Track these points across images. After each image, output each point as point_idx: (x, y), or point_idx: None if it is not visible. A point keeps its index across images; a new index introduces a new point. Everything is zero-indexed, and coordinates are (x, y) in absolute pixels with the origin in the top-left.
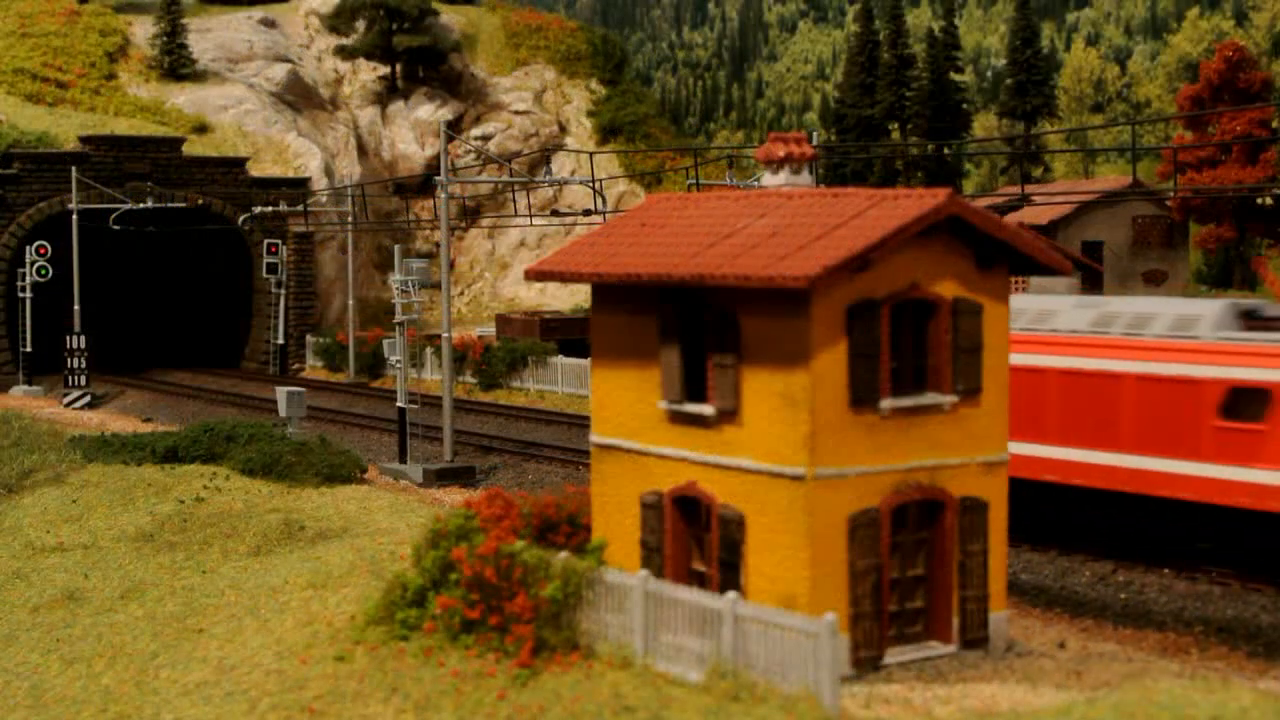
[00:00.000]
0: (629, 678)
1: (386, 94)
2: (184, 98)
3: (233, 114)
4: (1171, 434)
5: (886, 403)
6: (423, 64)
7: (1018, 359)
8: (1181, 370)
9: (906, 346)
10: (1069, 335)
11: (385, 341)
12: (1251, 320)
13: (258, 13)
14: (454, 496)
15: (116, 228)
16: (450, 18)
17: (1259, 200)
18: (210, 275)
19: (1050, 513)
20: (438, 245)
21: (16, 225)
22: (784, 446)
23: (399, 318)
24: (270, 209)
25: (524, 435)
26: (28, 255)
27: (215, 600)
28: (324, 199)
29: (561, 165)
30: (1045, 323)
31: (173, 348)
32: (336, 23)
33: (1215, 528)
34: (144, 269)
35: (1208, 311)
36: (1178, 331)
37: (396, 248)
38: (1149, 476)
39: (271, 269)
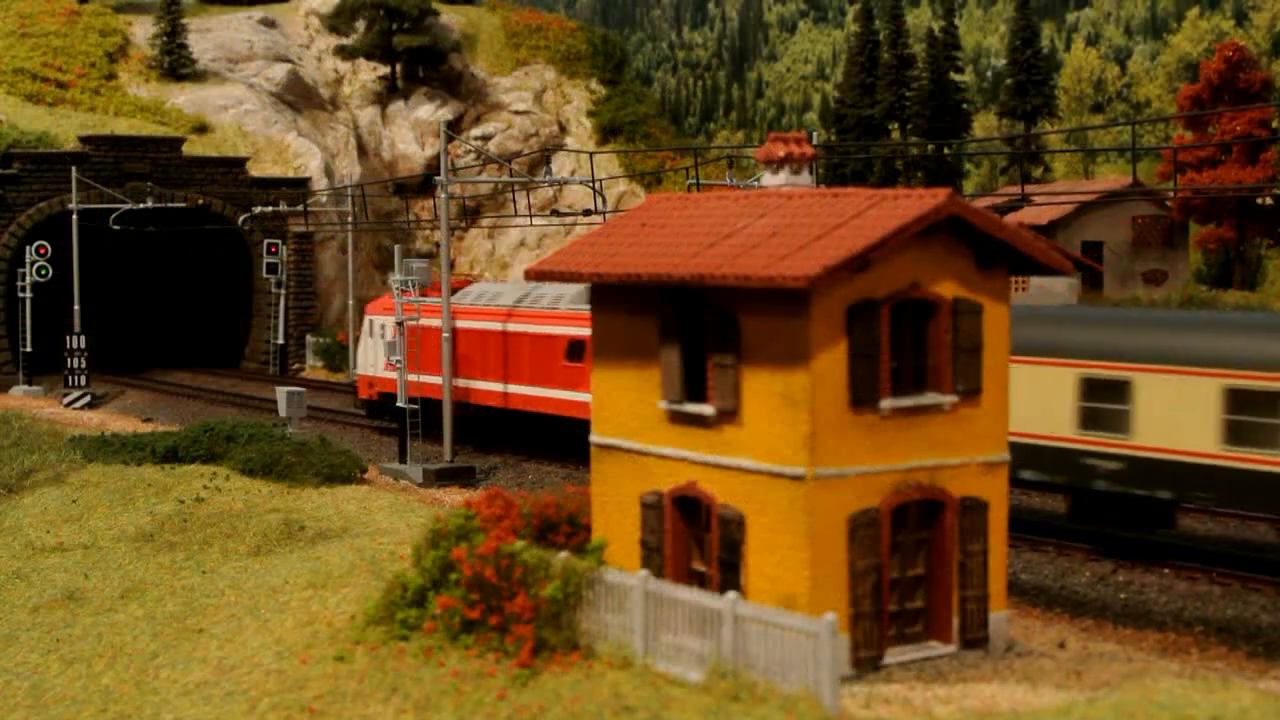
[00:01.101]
0: (629, 678)
1: (386, 94)
2: (184, 98)
3: (233, 114)
4: (546, 371)
5: (886, 403)
6: (423, 64)
7: (466, 324)
8: (549, 330)
9: (906, 346)
10: (499, 308)
11: (385, 342)
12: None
13: (258, 13)
14: (454, 496)
15: (116, 228)
16: (450, 18)
17: (1259, 200)
18: (210, 275)
19: (484, 424)
20: (438, 245)
21: (16, 225)
22: (784, 446)
23: (399, 317)
24: (270, 209)
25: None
26: (28, 255)
27: (215, 600)
28: (324, 199)
29: (561, 165)
30: (490, 300)
31: (173, 348)
32: (336, 23)
33: (569, 433)
34: (144, 269)
35: (569, 291)
36: (551, 304)
37: (396, 248)
38: (536, 399)
39: (271, 269)
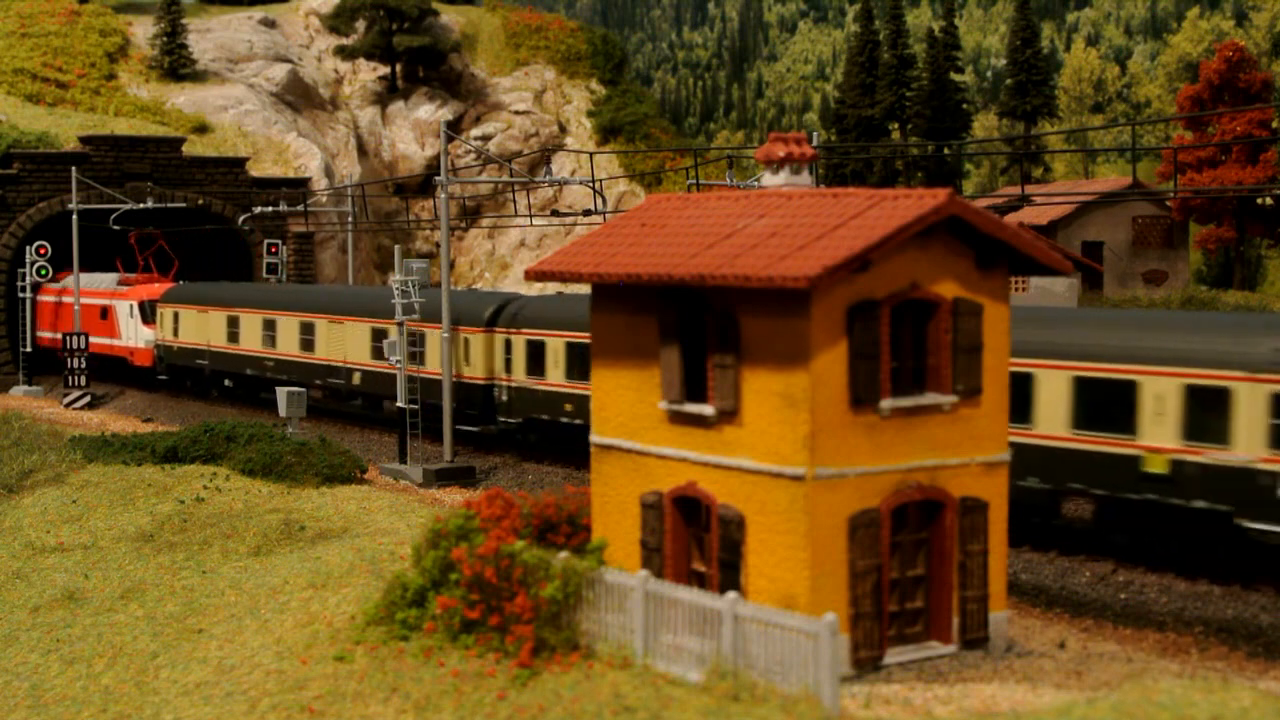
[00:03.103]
0: (629, 678)
1: (386, 94)
2: (184, 98)
3: (233, 114)
4: (97, 326)
5: (886, 403)
6: (423, 64)
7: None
8: (98, 301)
9: (906, 346)
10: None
11: (385, 341)
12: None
13: (258, 13)
14: (454, 497)
15: (116, 228)
16: (450, 18)
17: (1259, 200)
18: (210, 275)
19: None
20: (438, 245)
21: (16, 225)
22: (784, 446)
23: (399, 317)
24: (270, 209)
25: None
26: (28, 255)
27: (215, 600)
28: (324, 199)
29: (561, 165)
30: (86, 284)
31: None
32: (336, 23)
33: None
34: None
35: (111, 278)
36: (101, 285)
37: (396, 248)
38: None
39: (271, 269)
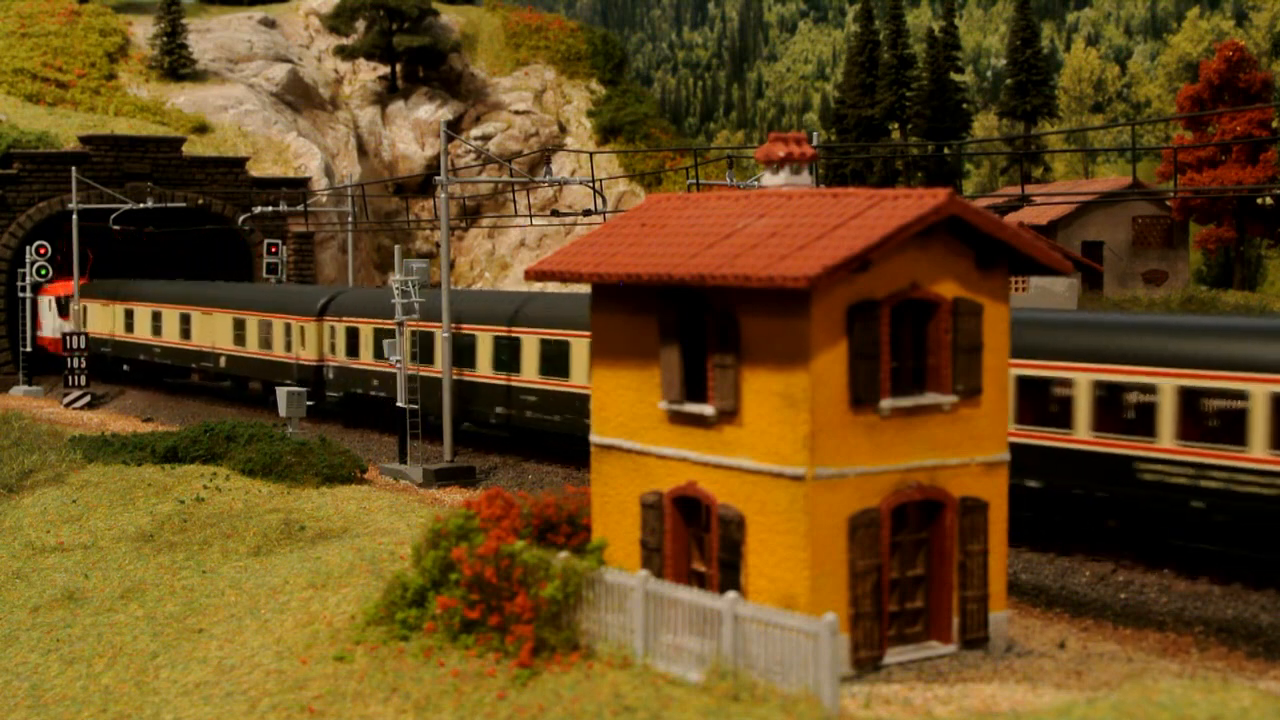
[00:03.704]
0: (629, 678)
1: (386, 94)
2: (184, 98)
3: (233, 114)
4: None
5: (886, 403)
6: (423, 64)
7: None
8: None
9: (906, 346)
10: None
11: (385, 341)
12: None
13: (258, 13)
14: (454, 496)
15: (116, 228)
16: (450, 18)
17: (1259, 200)
18: (210, 275)
19: None
20: (438, 245)
21: (16, 225)
22: (784, 446)
23: (398, 317)
24: (270, 209)
25: None
26: (28, 255)
27: (215, 600)
28: (324, 199)
29: (561, 165)
30: None
31: None
32: (336, 23)
33: None
34: (144, 269)
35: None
36: None
37: (396, 248)
38: None
39: (271, 269)
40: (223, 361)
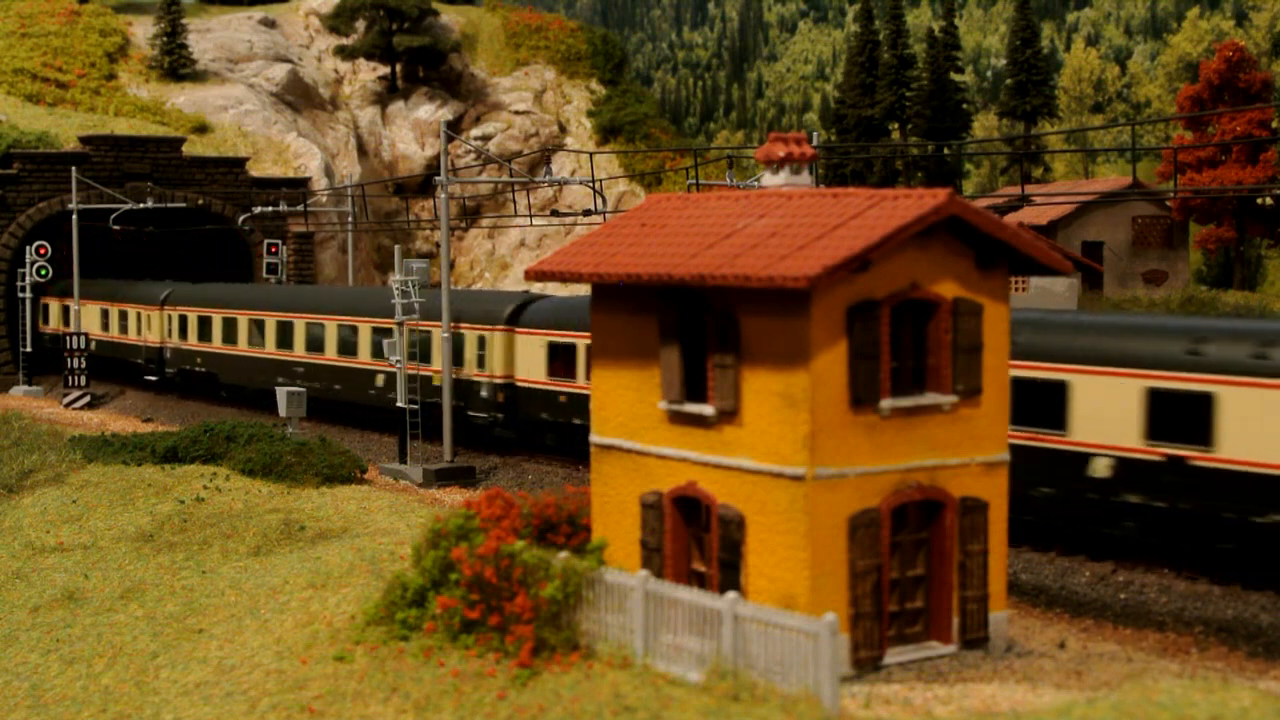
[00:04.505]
0: (629, 678)
1: (386, 94)
2: (184, 98)
3: (233, 114)
4: None
5: (886, 403)
6: (423, 64)
7: None
8: None
9: (906, 346)
10: None
11: (385, 341)
12: None
13: (258, 13)
14: (454, 496)
15: (116, 228)
16: (450, 18)
17: (1259, 200)
18: (210, 276)
19: None
20: (438, 245)
21: (16, 225)
22: (784, 446)
23: (398, 317)
24: (270, 209)
25: None
26: (28, 255)
27: (215, 600)
28: (324, 199)
29: (561, 165)
30: None
31: None
32: (336, 23)
33: None
34: (144, 269)
35: None
36: None
37: (396, 248)
38: None
39: (271, 269)
40: (93, 345)
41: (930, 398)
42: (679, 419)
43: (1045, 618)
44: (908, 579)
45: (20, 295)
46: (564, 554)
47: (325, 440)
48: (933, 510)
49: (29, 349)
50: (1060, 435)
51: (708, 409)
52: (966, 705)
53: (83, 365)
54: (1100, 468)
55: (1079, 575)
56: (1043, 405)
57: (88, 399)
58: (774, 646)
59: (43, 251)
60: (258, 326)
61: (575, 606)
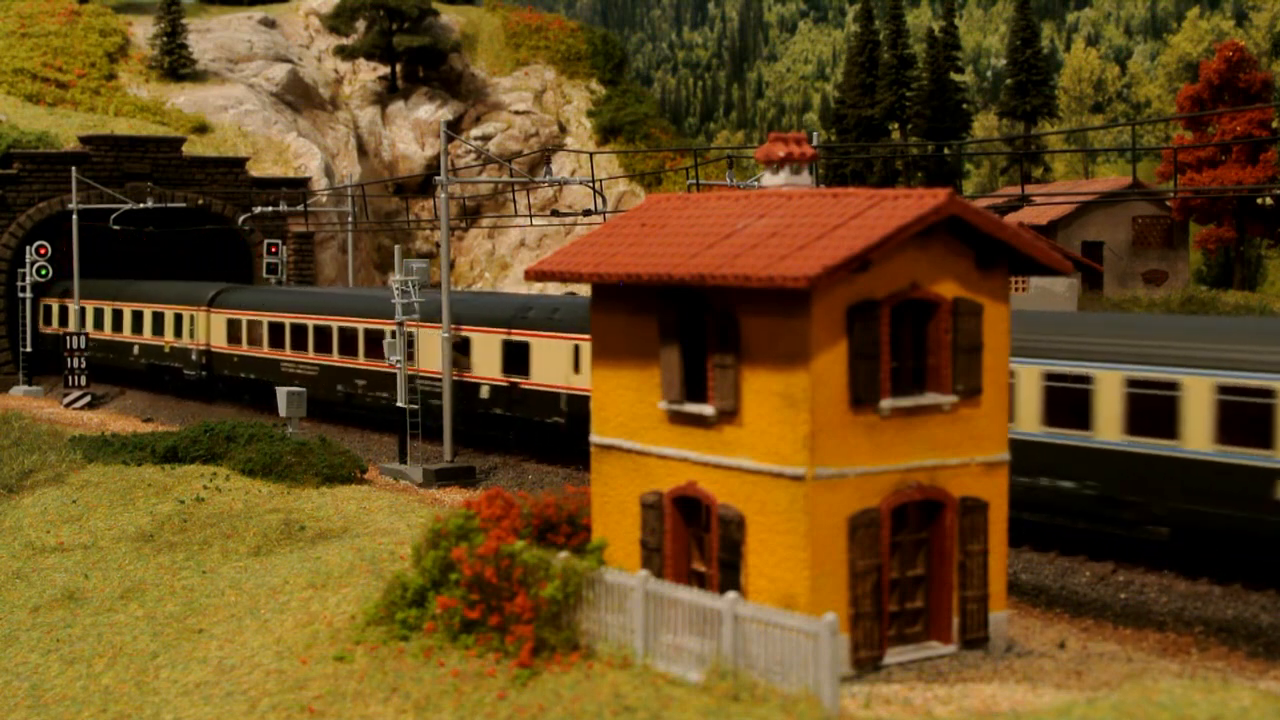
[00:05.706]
0: (629, 678)
1: (386, 94)
2: (184, 98)
3: (233, 114)
4: None
5: (886, 403)
6: (423, 64)
7: None
8: None
9: (906, 346)
10: None
11: (385, 341)
12: None
13: (258, 13)
14: (454, 496)
15: (116, 228)
16: (450, 18)
17: (1259, 200)
18: (210, 276)
19: None
20: (438, 245)
21: (16, 225)
22: (784, 446)
23: (399, 317)
24: (270, 209)
25: None
26: (28, 255)
27: (215, 600)
28: (324, 199)
29: (561, 165)
30: None
31: None
32: (336, 23)
33: None
34: (144, 269)
35: None
36: None
37: (396, 248)
38: None
39: (271, 269)
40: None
41: (930, 398)
42: (679, 419)
43: (1045, 618)
44: (908, 579)
45: (20, 295)
46: (564, 554)
47: (325, 440)
48: (933, 510)
49: (29, 349)
50: None
51: (708, 409)
52: (966, 705)
53: (83, 365)
54: None
55: (1079, 575)
56: None
57: (88, 399)
58: (774, 646)
59: (43, 251)
60: (320, 333)
61: (575, 606)
